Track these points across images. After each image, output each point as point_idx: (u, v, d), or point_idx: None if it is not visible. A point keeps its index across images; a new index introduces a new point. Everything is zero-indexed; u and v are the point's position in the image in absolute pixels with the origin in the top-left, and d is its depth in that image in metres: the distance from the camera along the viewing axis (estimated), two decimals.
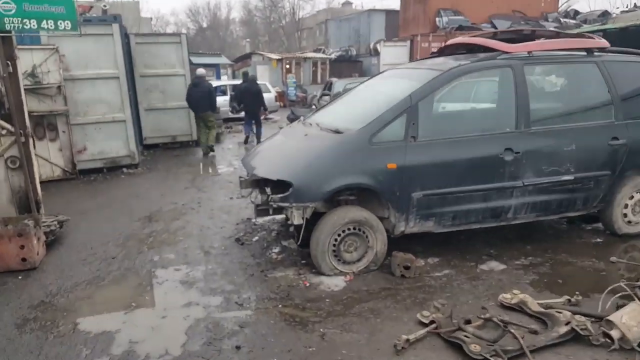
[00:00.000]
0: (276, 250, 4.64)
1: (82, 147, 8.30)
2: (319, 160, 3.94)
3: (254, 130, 11.70)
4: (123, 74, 8.54)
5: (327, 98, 13.85)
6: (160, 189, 7.45)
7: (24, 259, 4.21)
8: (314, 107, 19.81)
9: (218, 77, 26.12)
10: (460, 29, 19.40)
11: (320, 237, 3.90)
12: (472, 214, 4.22)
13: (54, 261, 4.54)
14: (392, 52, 19.13)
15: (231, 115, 17.12)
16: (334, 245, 3.95)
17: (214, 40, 50.63)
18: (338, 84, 13.17)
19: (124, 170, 8.67)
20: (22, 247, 4.17)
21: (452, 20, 20.60)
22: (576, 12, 25.05)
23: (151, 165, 9.37)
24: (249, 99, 11.54)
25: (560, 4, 25.91)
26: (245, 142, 11.87)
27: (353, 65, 28.84)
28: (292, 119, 10.68)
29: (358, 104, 5.04)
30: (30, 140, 5.18)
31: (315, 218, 3.99)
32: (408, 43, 19.25)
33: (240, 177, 4.99)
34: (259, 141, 11.40)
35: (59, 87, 7.69)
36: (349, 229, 3.96)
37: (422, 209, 4.05)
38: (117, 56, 8.44)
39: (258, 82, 13.79)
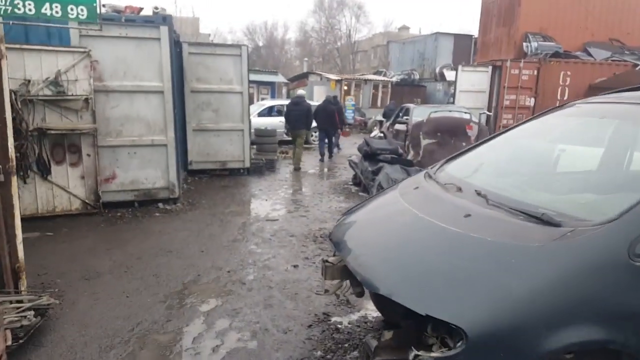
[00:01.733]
0: None
1: (111, 175, 6.63)
2: (520, 282, 1.89)
3: (327, 147, 12.30)
4: (169, 88, 6.87)
5: (401, 127, 11.83)
6: (201, 240, 5.61)
7: None
8: (379, 134, 17.83)
9: (273, 96, 24.78)
10: (557, 55, 16.90)
11: None
12: None
13: None
14: (471, 78, 16.77)
15: (287, 137, 15.55)
16: None
17: (269, 59, 50.04)
18: (418, 112, 11.10)
19: (160, 205, 6.93)
20: None
21: (542, 46, 18.09)
22: None
23: (194, 199, 7.61)
24: (322, 117, 11.86)
25: None
26: (322, 159, 12.14)
27: (416, 90, 26.91)
28: (367, 152, 8.66)
29: (548, 161, 2.99)
30: (14, 180, 3.42)
31: None
32: (490, 69, 16.94)
33: (324, 260, 3.06)
34: (330, 155, 12.38)
35: (86, 100, 6.06)
36: None
37: None
38: (163, 66, 6.79)
39: (315, 102, 14.43)
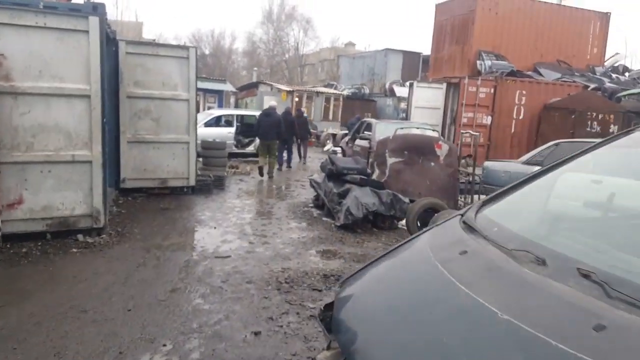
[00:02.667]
0: None
1: (16, 199, 5.20)
2: None
3: (285, 157, 12.66)
4: (98, 91, 5.56)
5: (363, 142, 11.00)
6: (129, 289, 4.33)
7: None
8: (332, 148, 17.06)
9: (220, 105, 23.39)
10: (512, 74, 16.82)
11: None
12: None
13: None
14: (426, 95, 16.40)
15: (236, 150, 14.44)
16: None
17: (215, 67, 48.42)
18: (381, 127, 10.27)
19: (79, 237, 5.54)
20: None
21: (495, 64, 18.07)
22: (625, 68, 22.94)
23: (125, 226, 6.27)
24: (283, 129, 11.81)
25: (605, 59, 23.73)
26: (280, 169, 12.26)
27: (367, 104, 26.69)
28: (331, 171, 7.69)
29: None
30: None
31: None
32: (444, 85, 16.63)
33: None
34: (289, 165, 12.89)
35: None
36: None
37: None
38: (91, 65, 5.49)
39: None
